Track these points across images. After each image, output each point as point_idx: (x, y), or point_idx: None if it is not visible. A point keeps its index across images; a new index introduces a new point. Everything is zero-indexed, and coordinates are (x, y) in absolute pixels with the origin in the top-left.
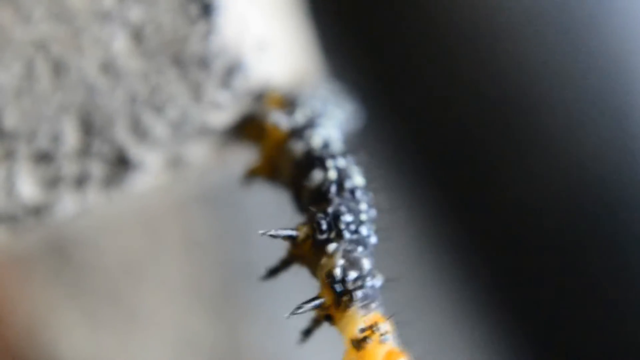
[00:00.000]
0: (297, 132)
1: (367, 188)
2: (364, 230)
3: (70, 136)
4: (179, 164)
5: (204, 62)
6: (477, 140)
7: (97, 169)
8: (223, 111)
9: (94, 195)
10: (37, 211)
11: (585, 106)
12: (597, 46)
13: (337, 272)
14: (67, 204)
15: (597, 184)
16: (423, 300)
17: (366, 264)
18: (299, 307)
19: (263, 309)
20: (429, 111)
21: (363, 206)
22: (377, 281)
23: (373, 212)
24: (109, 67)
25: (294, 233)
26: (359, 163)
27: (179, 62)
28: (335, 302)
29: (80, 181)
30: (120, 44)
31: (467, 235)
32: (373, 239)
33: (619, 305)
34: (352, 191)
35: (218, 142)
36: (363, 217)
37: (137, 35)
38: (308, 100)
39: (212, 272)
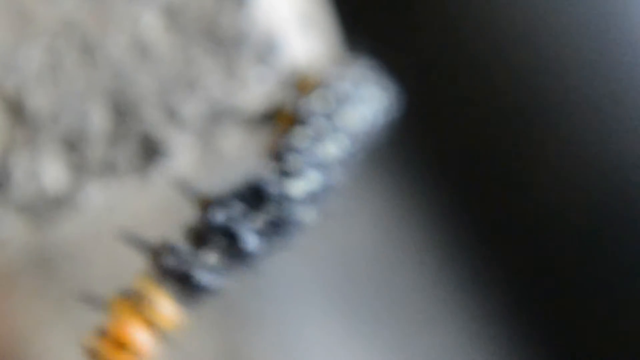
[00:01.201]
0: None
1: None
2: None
3: (99, 118)
4: (210, 150)
5: (237, 38)
6: (496, 140)
7: (125, 153)
8: (256, 91)
9: (121, 184)
10: (60, 202)
11: (604, 106)
12: (620, 46)
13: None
14: (92, 193)
15: (618, 186)
16: (440, 302)
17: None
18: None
19: (268, 320)
20: (449, 109)
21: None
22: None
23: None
24: (138, 45)
25: None
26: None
27: (211, 38)
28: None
29: (108, 167)
30: (151, 18)
31: (484, 236)
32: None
33: (633, 305)
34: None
35: (250, 129)
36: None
37: (170, 9)
38: (337, 83)
39: None
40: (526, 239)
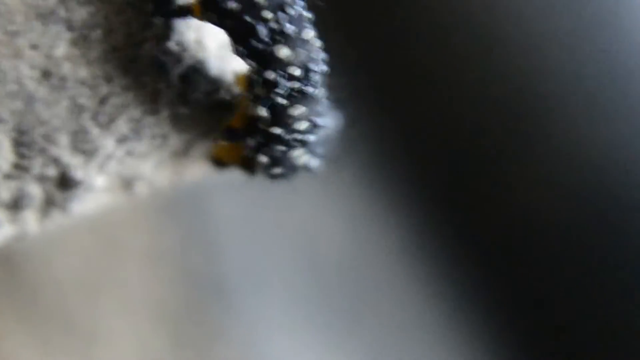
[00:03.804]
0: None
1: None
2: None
3: (5, 153)
4: (133, 182)
5: (161, 69)
6: (478, 136)
7: (37, 190)
8: (182, 122)
9: (33, 220)
10: None
11: (589, 104)
12: (606, 45)
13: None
14: (2, 228)
15: (604, 183)
16: (422, 301)
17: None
18: None
19: (234, 329)
20: (431, 109)
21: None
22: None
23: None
24: (50, 75)
25: None
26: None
27: (130, 69)
28: None
29: (17, 204)
30: (64, 48)
31: (467, 235)
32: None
33: (623, 302)
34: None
35: (178, 154)
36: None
37: (85, 39)
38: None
39: (177, 286)
40: (505, 238)
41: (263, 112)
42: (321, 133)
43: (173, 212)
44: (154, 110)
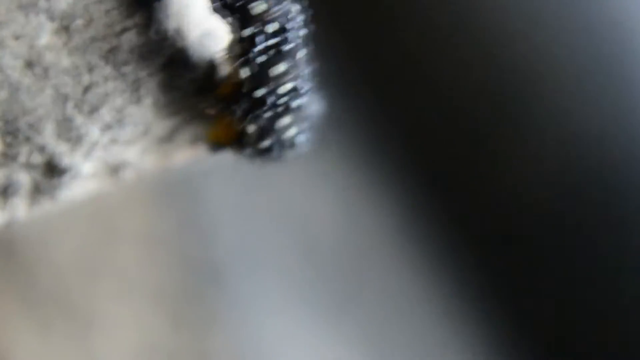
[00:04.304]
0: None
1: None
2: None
3: None
4: (119, 169)
5: (142, 59)
6: (470, 131)
7: (24, 178)
8: (165, 109)
9: (22, 206)
10: None
11: (576, 95)
12: (594, 40)
13: None
14: None
15: (591, 177)
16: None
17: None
18: None
19: (230, 311)
20: (422, 93)
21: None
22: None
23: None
24: (34, 65)
25: None
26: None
27: (113, 58)
28: None
29: (6, 192)
30: (47, 38)
31: (458, 230)
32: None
33: (616, 300)
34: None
35: (163, 141)
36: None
37: (66, 29)
38: None
39: (174, 270)
40: (497, 223)
41: (244, 72)
42: (306, 102)
43: (168, 197)
44: (136, 99)
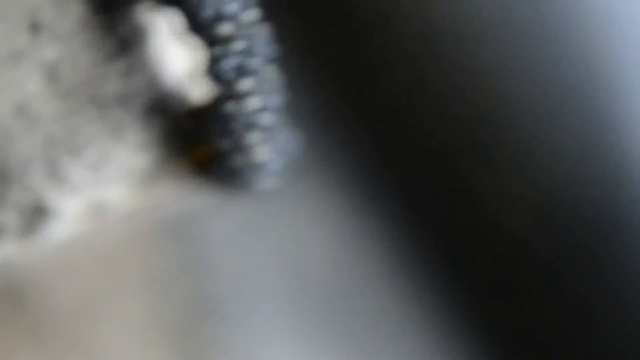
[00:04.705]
0: None
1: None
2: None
3: None
4: (106, 207)
5: (125, 101)
6: (448, 147)
7: (12, 218)
8: (148, 147)
9: (9, 246)
10: None
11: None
12: (573, 52)
13: None
14: None
15: (571, 191)
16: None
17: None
18: None
19: (231, 347)
20: (397, 116)
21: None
22: None
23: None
24: (24, 110)
25: None
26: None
27: (97, 101)
28: None
29: None
30: (35, 85)
31: (446, 244)
32: None
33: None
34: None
35: (146, 180)
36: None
37: (53, 76)
38: None
39: (175, 307)
40: (480, 245)
41: (214, 87)
42: (276, 122)
43: (168, 236)
44: (120, 139)
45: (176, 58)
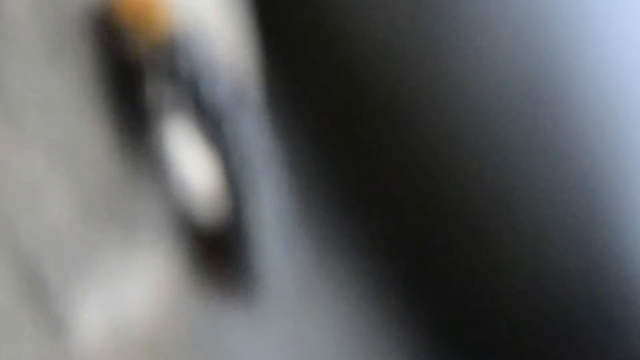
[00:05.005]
0: None
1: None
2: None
3: (5, 294)
4: (125, 327)
5: (148, 220)
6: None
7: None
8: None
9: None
10: None
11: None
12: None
13: None
14: None
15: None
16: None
17: None
18: None
19: None
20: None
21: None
22: None
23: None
24: (49, 231)
25: None
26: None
27: (121, 220)
28: None
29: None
30: (62, 208)
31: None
32: None
33: None
34: None
35: (168, 298)
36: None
37: (79, 199)
38: None
39: None
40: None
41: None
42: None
43: (186, 348)
44: (142, 256)
45: (196, 174)
